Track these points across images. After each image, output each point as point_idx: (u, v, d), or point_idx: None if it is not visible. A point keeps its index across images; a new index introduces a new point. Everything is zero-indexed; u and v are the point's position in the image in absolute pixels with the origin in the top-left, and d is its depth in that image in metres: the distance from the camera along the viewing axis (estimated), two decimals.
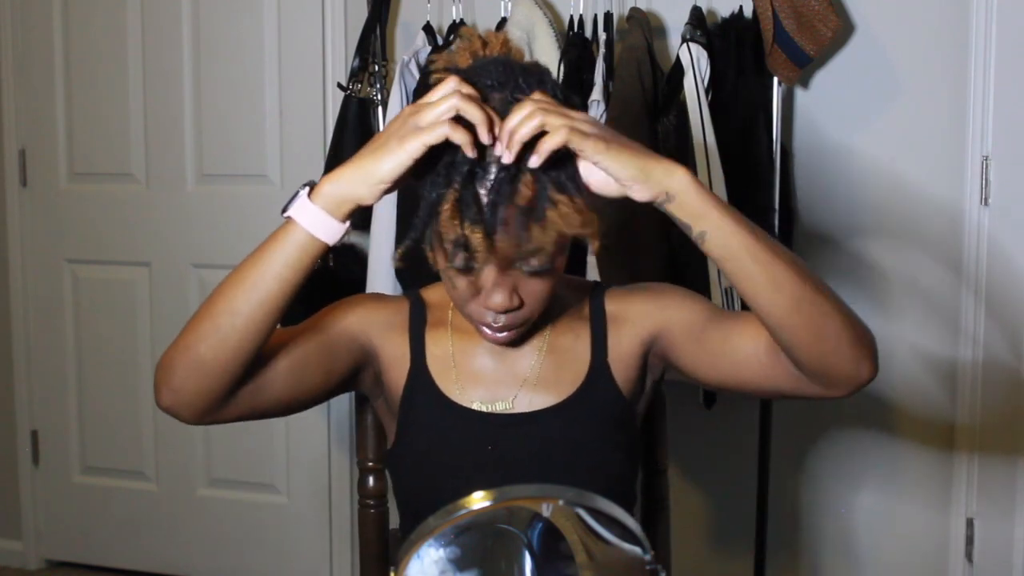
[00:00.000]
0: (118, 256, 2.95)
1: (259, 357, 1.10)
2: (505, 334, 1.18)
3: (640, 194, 1.02)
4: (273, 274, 1.04)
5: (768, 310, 1.06)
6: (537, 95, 1.03)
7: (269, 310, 1.06)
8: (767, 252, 1.04)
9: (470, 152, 1.00)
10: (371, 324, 1.26)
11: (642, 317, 1.27)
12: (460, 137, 0.99)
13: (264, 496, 2.91)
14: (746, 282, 1.05)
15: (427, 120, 1.00)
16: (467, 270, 1.12)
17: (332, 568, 2.88)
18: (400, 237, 2.36)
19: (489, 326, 1.17)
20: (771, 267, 1.04)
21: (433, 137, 0.99)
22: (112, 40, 2.88)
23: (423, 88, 2.31)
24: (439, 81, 1.07)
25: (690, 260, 2.19)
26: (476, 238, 1.04)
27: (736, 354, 1.16)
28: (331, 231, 1.04)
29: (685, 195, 1.02)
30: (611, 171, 1.01)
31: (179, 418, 1.10)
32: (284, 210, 1.04)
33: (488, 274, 1.13)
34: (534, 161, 1.00)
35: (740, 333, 1.16)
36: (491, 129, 1.01)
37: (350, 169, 1.02)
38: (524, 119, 1.00)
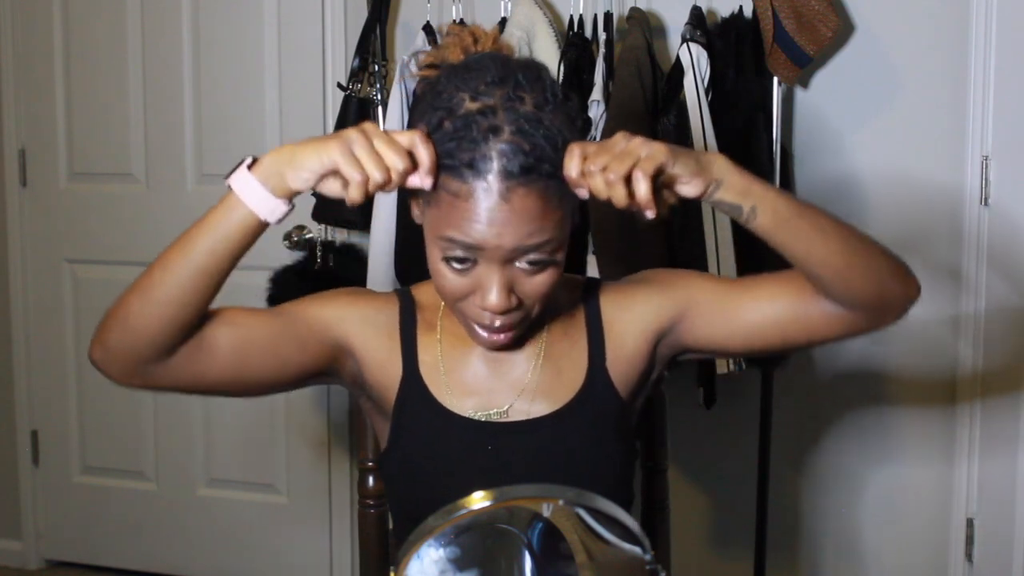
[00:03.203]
0: (118, 256, 2.94)
1: (190, 326, 1.07)
2: (501, 336, 1.13)
3: (696, 188, 1.04)
4: (207, 242, 1.04)
5: (825, 260, 1.09)
6: (574, 147, 1.03)
7: (198, 278, 1.05)
8: (807, 208, 1.09)
9: (354, 193, 0.99)
10: (351, 320, 1.21)
11: (649, 311, 1.23)
12: (350, 172, 0.99)
13: (264, 496, 2.91)
14: (801, 242, 1.09)
15: (360, 142, 0.99)
16: (463, 263, 1.08)
17: (332, 568, 2.88)
18: (400, 238, 2.36)
19: (485, 327, 1.12)
20: (816, 220, 1.09)
21: (343, 165, 0.99)
22: (112, 40, 2.88)
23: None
24: (428, 74, 1.07)
25: (690, 259, 2.19)
26: (478, 229, 1.04)
27: (775, 315, 1.18)
28: (267, 206, 1.03)
29: (730, 177, 1.06)
30: (676, 172, 1.03)
31: (108, 375, 1.09)
32: (227, 176, 1.04)
33: (485, 270, 1.08)
34: (651, 214, 1.01)
35: (771, 296, 1.18)
36: (431, 171, 1.03)
37: (290, 147, 1.03)
38: (614, 180, 1.00)
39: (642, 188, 0.99)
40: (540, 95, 1.07)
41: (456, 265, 1.09)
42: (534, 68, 1.11)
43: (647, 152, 1.00)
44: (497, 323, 1.11)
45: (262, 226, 1.04)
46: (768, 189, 1.07)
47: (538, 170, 1.04)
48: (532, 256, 1.08)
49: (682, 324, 1.23)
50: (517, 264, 1.08)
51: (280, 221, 1.05)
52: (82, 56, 2.91)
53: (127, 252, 2.94)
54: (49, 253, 3.02)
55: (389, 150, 1.00)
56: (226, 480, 2.94)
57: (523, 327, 1.15)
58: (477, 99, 1.06)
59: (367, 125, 1.02)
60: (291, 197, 1.04)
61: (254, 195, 1.02)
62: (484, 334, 1.13)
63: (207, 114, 2.82)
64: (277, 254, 2.65)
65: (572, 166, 1.02)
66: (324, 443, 2.84)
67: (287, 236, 2.68)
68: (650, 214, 1.01)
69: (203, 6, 2.79)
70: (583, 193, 1.04)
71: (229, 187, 1.04)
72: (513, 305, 1.10)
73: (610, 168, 1.00)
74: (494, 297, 1.08)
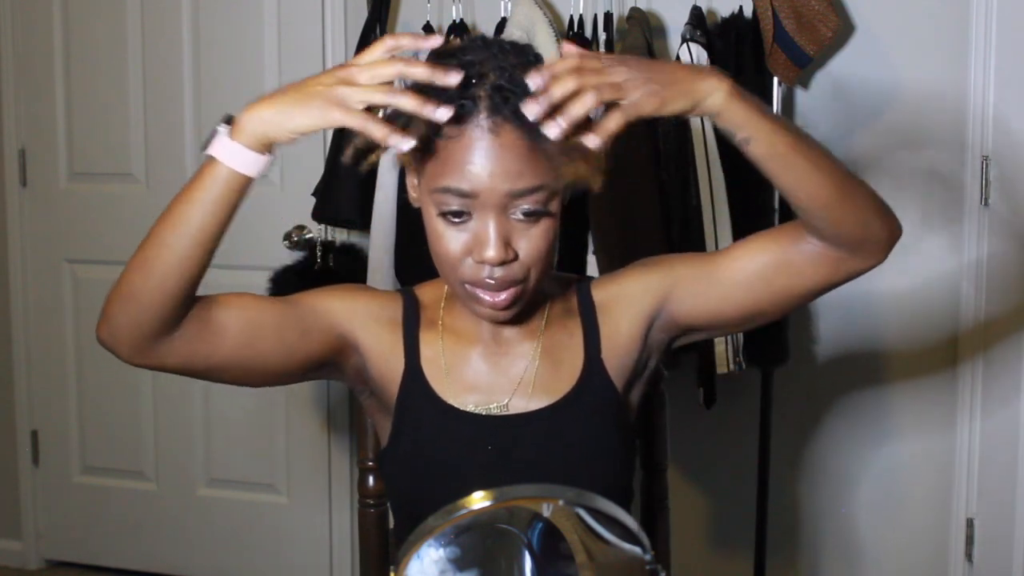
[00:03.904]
0: (118, 256, 2.90)
1: (191, 295, 1.09)
2: (503, 297, 1.12)
3: (691, 116, 1.07)
4: (201, 209, 1.07)
5: (817, 192, 1.10)
6: (574, 50, 1.04)
7: (196, 243, 1.08)
8: (802, 142, 1.09)
9: (400, 144, 1.01)
10: (357, 313, 1.23)
11: (642, 293, 1.25)
12: (379, 132, 1.00)
13: (264, 496, 2.91)
14: (792, 173, 1.09)
15: (357, 97, 1.00)
16: (458, 216, 1.10)
17: (332, 568, 2.88)
18: (400, 237, 2.37)
19: (484, 286, 1.12)
20: (809, 153, 1.09)
21: (354, 123, 1.00)
22: (112, 40, 2.88)
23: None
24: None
25: None
26: (471, 171, 1.06)
27: (759, 268, 1.19)
28: (254, 164, 1.04)
29: (728, 108, 1.06)
30: (666, 113, 1.04)
31: (117, 354, 1.10)
32: (204, 147, 1.05)
33: (481, 223, 1.10)
34: (593, 141, 1.02)
35: (751, 251, 1.20)
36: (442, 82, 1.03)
37: (271, 108, 1.02)
38: (573, 93, 1.00)
39: (609, 128, 1.01)
40: (524, 57, 1.11)
41: (452, 219, 1.11)
42: (520, 44, 1.14)
43: (634, 98, 1.01)
44: (497, 273, 1.11)
45: (250, 181, 1.06)
46: (764, 121, 1.07)
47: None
48: (526, 205, 1.09)
49: (672, 301, 1.24)
50: (512, 216, 1.10)
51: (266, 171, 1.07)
52: (82, 56, 2.91)
53: (127, 252, 2.88)
54: (49, 253, 3.01)
55: (376, 67, 1.01)
56: (226, 480, 2.94)
57: (522, 297, 1.15)
58: (463, 60, 1.09)
59: (340, 73, 1.02)
60: (272, 150, 1.05)
61: (241, 160, 1.04)
62: (485, 297, 1.13)
63: (207, 114, 2.82)
64: (277, 254, 2.65)
65: (557, 66, 1.02)
66: (324, 443, 2.84)
67: (287, 236, 2.68)
68: (591, 143, 1.02)
69: (203, 6, 2.80)
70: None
71: (210, 157, 1.05)
72: (510, 257, 1.11)
73: (582, 98, 1.00)
74: (491, 247, 1.09)
